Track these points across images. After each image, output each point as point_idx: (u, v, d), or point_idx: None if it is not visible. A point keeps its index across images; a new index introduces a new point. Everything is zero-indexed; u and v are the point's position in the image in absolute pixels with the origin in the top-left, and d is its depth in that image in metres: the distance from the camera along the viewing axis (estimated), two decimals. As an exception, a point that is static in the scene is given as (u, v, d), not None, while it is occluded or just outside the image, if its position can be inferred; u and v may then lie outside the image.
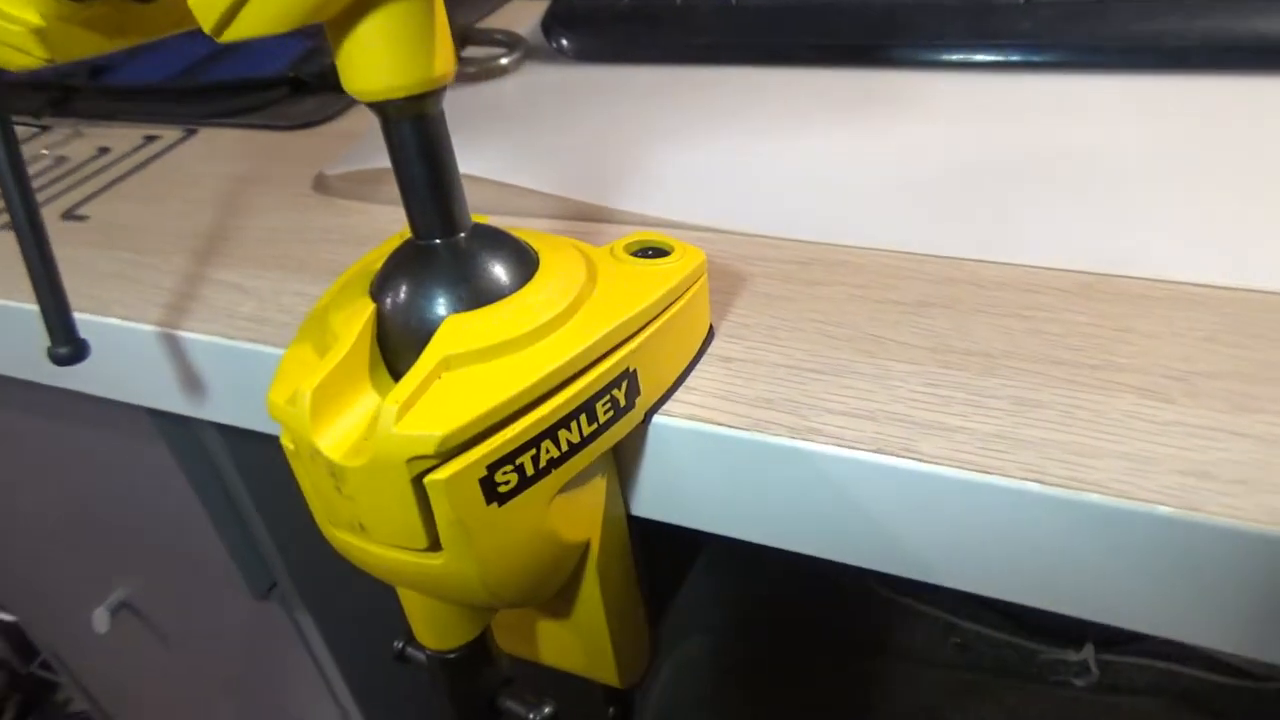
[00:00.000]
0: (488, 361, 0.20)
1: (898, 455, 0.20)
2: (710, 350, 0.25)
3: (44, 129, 0.45)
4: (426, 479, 0.19)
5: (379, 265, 0.23)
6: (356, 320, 0.21)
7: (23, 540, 0.68)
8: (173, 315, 0.30)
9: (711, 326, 0.25)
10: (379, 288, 0.21)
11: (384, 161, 0.33)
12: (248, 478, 0.48)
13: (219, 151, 0.41)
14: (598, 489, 0.24)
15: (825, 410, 0.22)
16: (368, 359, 0.21)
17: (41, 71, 0.47)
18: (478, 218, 0.22)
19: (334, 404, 0.20)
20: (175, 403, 0.31)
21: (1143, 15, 0.34)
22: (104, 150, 0.42)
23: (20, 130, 0.46)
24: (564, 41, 0.43)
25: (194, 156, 0.41)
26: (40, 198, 0.39)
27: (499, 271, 0.21)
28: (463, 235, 0.21)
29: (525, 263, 0.22)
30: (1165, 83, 0.33)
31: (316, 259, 0.31)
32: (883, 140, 0.32)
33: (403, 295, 0.21)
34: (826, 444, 0.21)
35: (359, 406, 0.20)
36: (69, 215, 0.37)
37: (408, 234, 0.25)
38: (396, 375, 0.21)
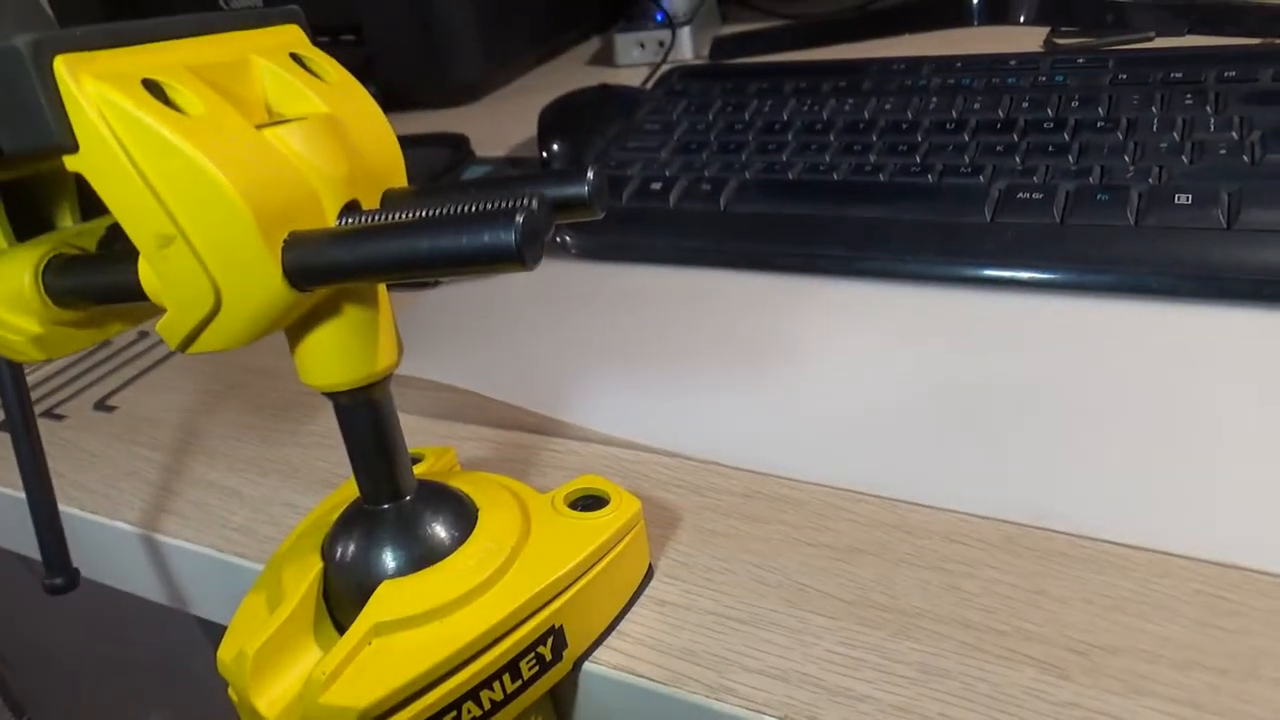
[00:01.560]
0: (416, 628, 0.21)
1: (799, 726, 0.21)
2: (648, 591, 0.26)
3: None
4: (349, 745, 0.20)
5: (331, 516, 0.25)
6: (304, 578, 0.23)
7: (64, 677, 0.70)
8: (175, 522, 0.32)
9: (651, 565, 0.27)
10: (328, 546, 0.23)
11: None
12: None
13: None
14: (532, 731, 0.25)
15: (741, 667, 0.23)
16: (313, 616, 0.23)
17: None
18: (433, 452, 0.24)
19: (276, 662, 0.22)
20: (172, 599, 0.33)
21: (1097, 242, 0.35)
22: (143, 334, 0.46)
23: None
24: (567, 238, 0.46)
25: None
26: (77, 385, 0.42)
27: (438, 532, 0.23)
28: (407, 499, 0.23)
29: (464, 521, 0.24)
30: (1118, 308, 0.34)
31: (309, 465, 0.34)
32: (834, 361, 0.34)
33: (347, 557, 0.23)
34: (737, 705, 0.22)
35: (300, 663, 0.22)
36: (100, 405, 0.40)
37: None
38: (341, 630, 0.23)
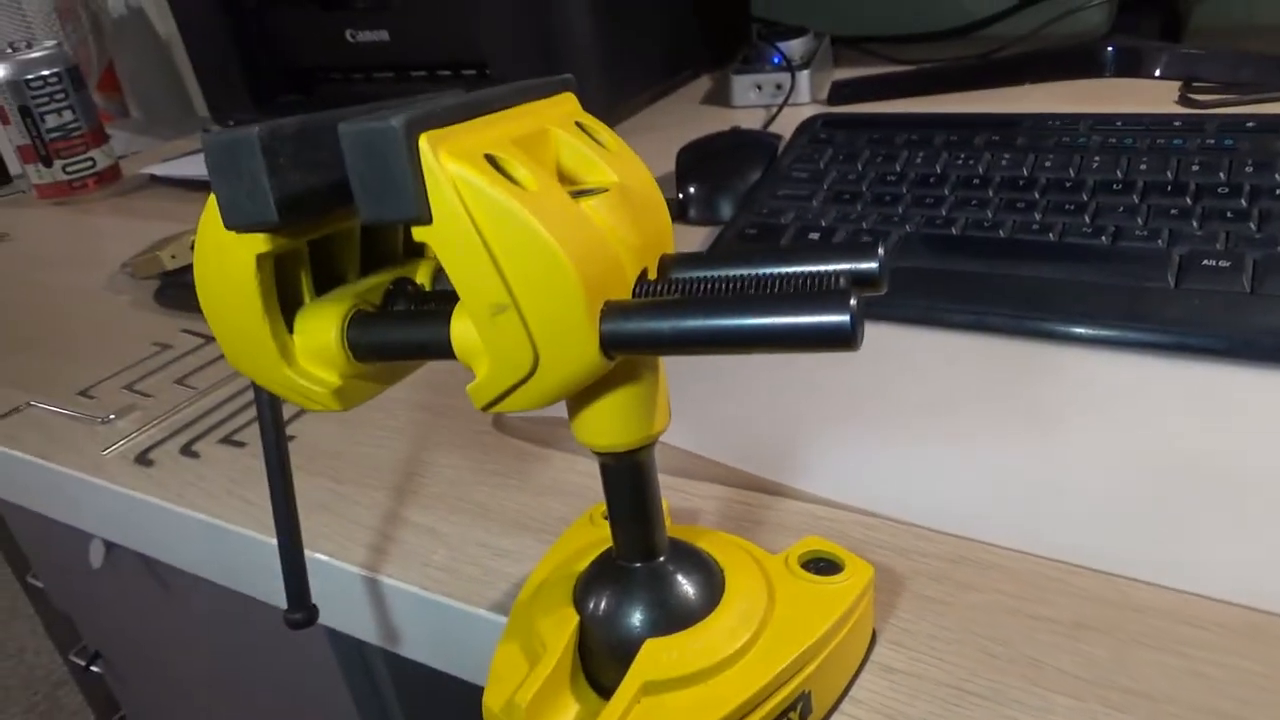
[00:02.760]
0: (683, 689, 0.22)
1: (1067, 811, 0.21)
2: (874, 657, 0.26)
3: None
4: (624, 802, 0.21)
5: (576, 565, 0.25)
6: (563, 631, 0.23)
7: (164, 684, 0.72)
8: (373, 556, 0.33)
9: (875, 631, 0.27)
10: (581, 599, 0.24)
11: (557, 410, 0.36)
12: (401, 694, 0.51)
13: (407, 380, 0.45)
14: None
15: (990, 744, 0.23)
16: (570, 668, 0.23)
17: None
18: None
19: (543, 713, 0.22)
20: (369, 634, 0.34)
21: (1295, 313, 0.35)
22: (306, 364, 0.47)
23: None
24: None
25: (384, 376, 0.45)
26: (252, 412, 0.44)
27: (692, 596, 0.23)
28: (661, 559, 0.24)
29: (714, 585, 0.24)
30: (1320, 383, 0.34)
31: (498, 506, 0.35)
32: (1033, 427, 0.34)
33: (605, 612, 0.23)
34: (993, 784, 0.22)
35: (563, 715, 0.23)
36: (278, 433, 0.42)
37: (593, 517, 0.28)
38: (593, 682, 0.23)
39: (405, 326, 0.21)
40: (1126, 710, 0.23)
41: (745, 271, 0.21)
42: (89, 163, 0.81)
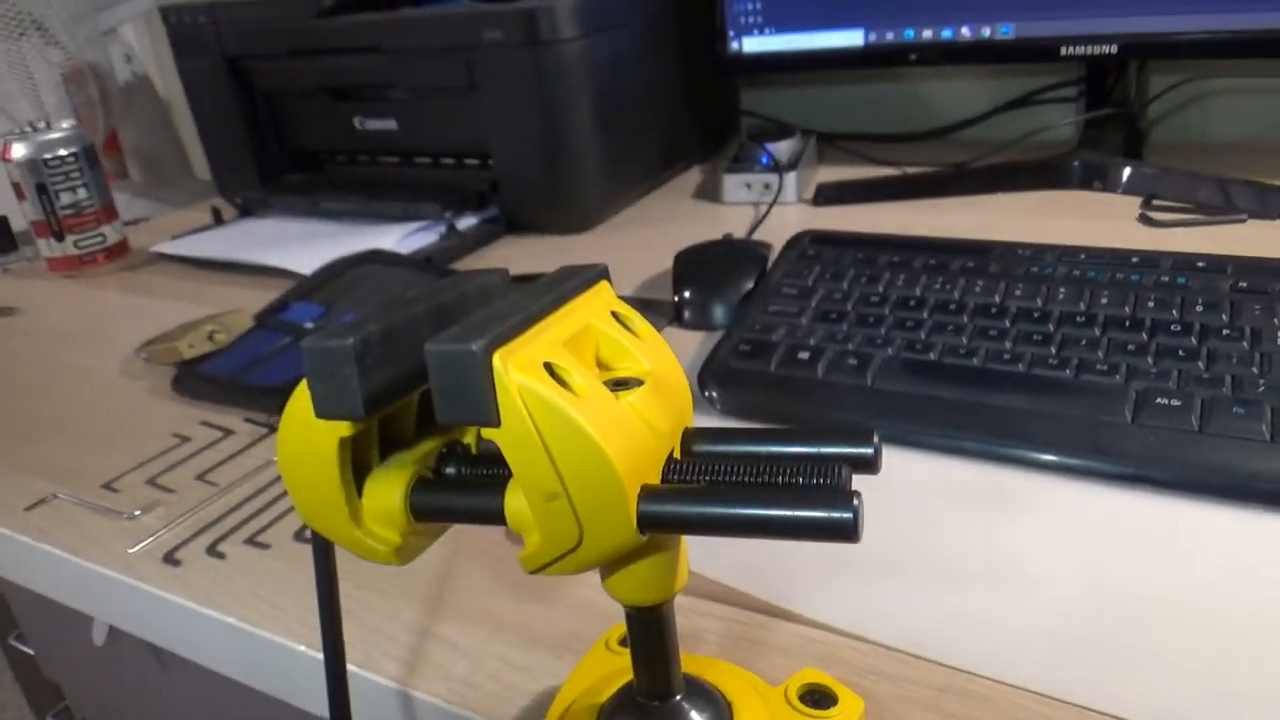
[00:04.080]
0: (696, 825, 0.25)
1: None
2: (862, 781, 0.29)
3: (271, 430, 0.54)
4: None
5: (597, 695, 0.28)
6: (589, 764, 0.26)
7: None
8: (397, 667, 0.35)
9: (862, 757, 0.30)
10: (605, 733, 0.27)
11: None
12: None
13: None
14: None
15: None
16: (595, 798, 0.26)
17: (276, 374, 0.56)
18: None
19: (571, 842, 0.25)
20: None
21: (1237, 454, 0.39)
22: (323, 462, 0.50)
23: (249, 429, 0.55)
24: (714, 394, 0.50)
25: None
26: (274, 511, 0.46)
27: (705, 730, 0.26)
28: (678, 698, 0.27)
29: (723, 717, 0.27)
30: (1268, 520, 0.37)
31: (514, 621, 0.37)
32: (1005, 559, 0.37)
33: (627, 748, 0.26)
34: None
35: (588, 843, 0.25)
36: (299, 536, 0.44)
37: (609, 643, 0.31)
38: (616, 809, 0.26)
39: (464, 495, 0.24)
40: (1086, 839, 0.26)
41: (758, 449, 0.25)
42: (100, 238, 0.83)
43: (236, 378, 0.57)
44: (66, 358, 0.68)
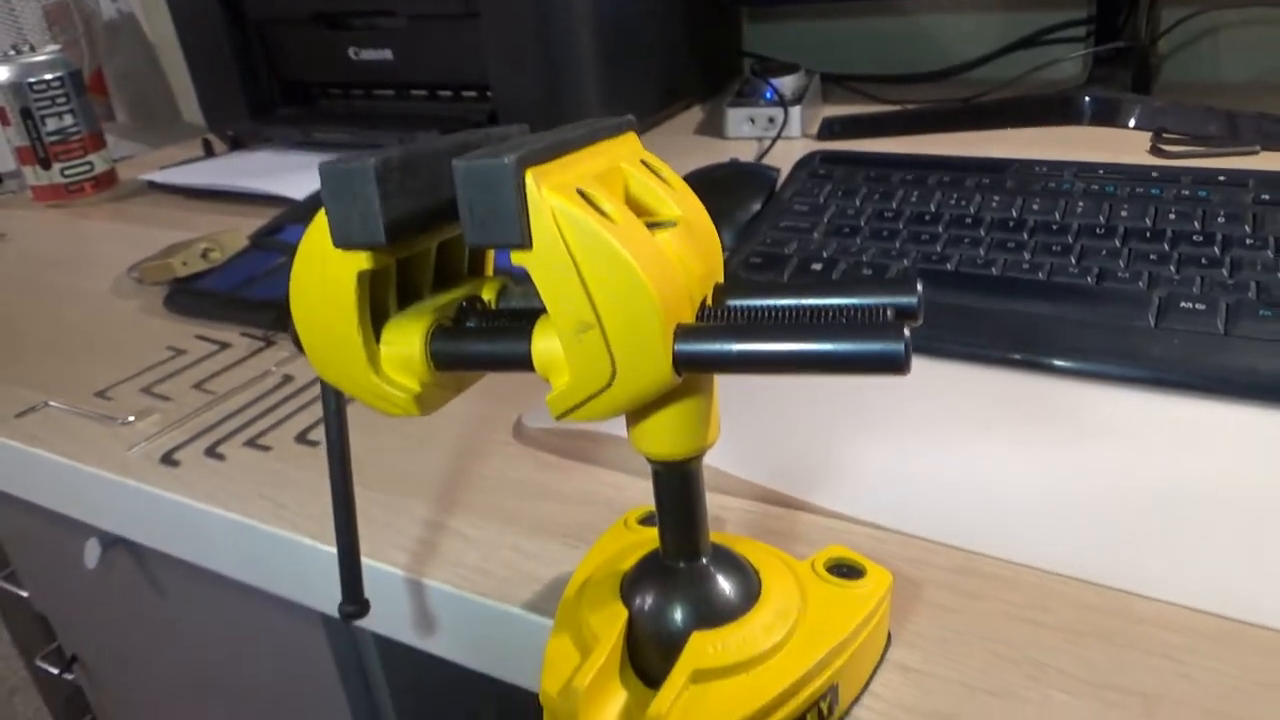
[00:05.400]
0: (728, 678, 0.24)
1: (1072, 795, 0.24)
2: (889, 657, 0.28)
3: (269, 343, 0.52)
4: (676, 781, 0.23)
5: (619, 565, 0.27)
6: (614, 625, 0.25)
7: (146, 689, 0.72)
8: (407, 558, 0.35)
9: (890, 633, 0.29)
10: (629, 595, 0.26)
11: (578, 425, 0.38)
12: (392, 679, 0.53)
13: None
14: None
15: (1001, 736, 0.25)
16: (620, 659, 0.25)
17: (274, 289, 0.54)
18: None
19: (596, 700, 0.24)
20: (403, 632, 0.35)
21: (1264, 354, 0.38)
22: (323, 373, 0.49)
23: (246, 342, 0.53)
24: (726, 307, 0.49)
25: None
26: (275, 416, 0.45)
27: (732, 594, 0.26)
28: (703, 560, 0.26)
29: (752, 585, 0.26)
30: (1287, 418, 0.37)
31: (524, 514, 0.36)
32: (1030, 451, 0.36)
33: (653, 608, 0.25)
34: (1005, 772, 0.24)
35: (614, 702, 0.24)
36: (301, 439, 0.43)
37: (628, 522, 0.30)
38: (639, 671, 0.25)
39: (487, 340, 0.23)
40: (1122, 708, 0.26)
41: (796, 302, 0.23)
42: (87, 167, 0.81)
43: (233, 293, 0.56)
44: (54, 279, 0.66)
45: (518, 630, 0.32)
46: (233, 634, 0.58)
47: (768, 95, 0.83)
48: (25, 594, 0.80)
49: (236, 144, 0.90)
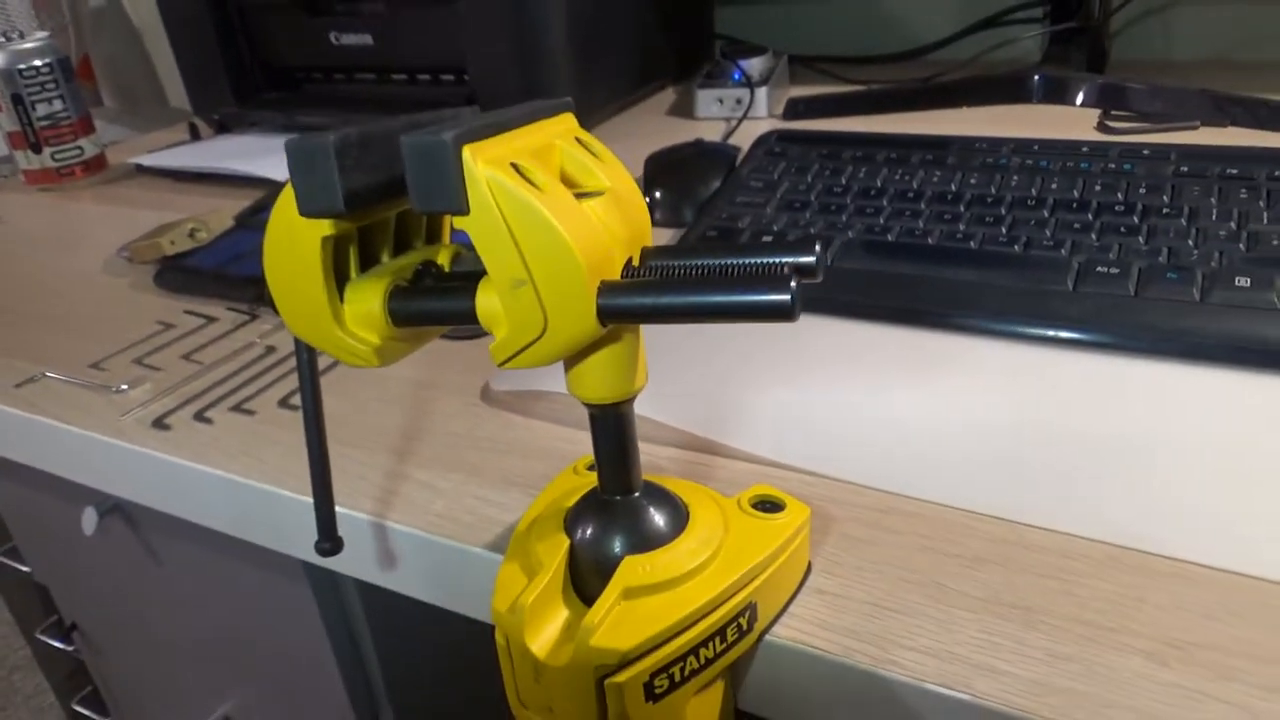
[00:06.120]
0: (656, 595, 0.27)
1: (958, 690, 0.27)
2: (808, 583, 0.32)
3: (253, 317, 0.55)
4: (607, 681, 0.26)
5: (564, 503, 0.31)
6: (556, 552, 0.28)
7: (143, 651, 0.75)
8: (379, 505, 0.38)
9: (810, 562, 0.32)
10: (571, 526, 0.29)
11: (541, 384, 0.41)
12: (374, 624, 0.56)
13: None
14: (717, 690, 0.30)
15: (900, 645, 0.29)
16: (561, 582, 0.28)
17: (257, 266, 0.57)
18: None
19: (541, 615, 0.27)
20: (374, 574, 0.39)
21: (1167, 314, 0.41)
22: (305, 343, 0.52)
23: (232, 316, 0.56)
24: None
25: (378, 356, 0.50)
26: (259, 384, 0.48)
27: (662, 523, 0.29)
28: (637, 494, 0.29)
29: (680, 516, 0.29)
30: (1188, 372, 0.40)
31: (489, 466, 0.40)
32: (949, 402, 0.40)
33: (591, 536, 0.29)
34: (903, 675, 0.28)
35: (557, 617, 0.28)
36: (283, 404, 0.46)
37: (576, 468, 0.34)
38: (580, 593, 0.29)
39: (437, 298, 0.26)
40: (1009, 620, 0.29)
41: (709, 261, 0.27)
42: (77, 151, 0.84)
43: (219, 270, 0.59)
44: (48, 259, 0.69)
45: (475, 568, 0.35)
46: (225, 596, 0.61)
47: (735, 76, 0.86)
48: (26, 569, 0.83)
49: (222, 128, 0.92)
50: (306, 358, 0.30)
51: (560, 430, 0.42)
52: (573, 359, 0.27)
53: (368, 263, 0.28)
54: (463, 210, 0.23)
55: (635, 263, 0.27)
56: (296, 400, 0.46)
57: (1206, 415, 0.37)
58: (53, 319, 0.58)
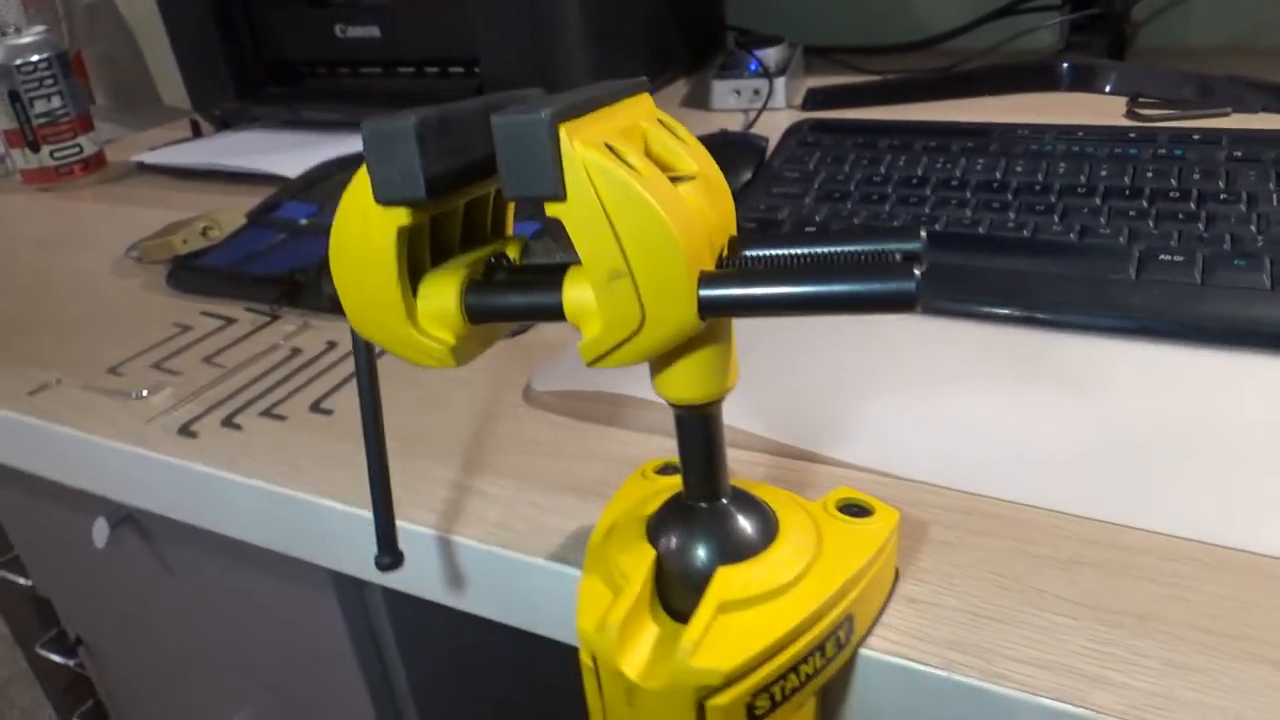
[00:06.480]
0: (753, 609, 0.25)
1: (1075, 705, 0.25)
2: (898, 591, 0.30)
3: (275, 318, 0.53)
4: (708, 702, 0.24)
5: (640, 510, 0.29)
6: (642, 565, 0.27)
7: (152, 664, 0.73)
8: (431, 516, 0.36)
9: (897, 569, 0.31)
10: (655, 536, 0.27)
11: (586, 384, 0.39)
12: (398, 629, 0.54)
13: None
14: (810, 709, 0.29)
15: (1006, 657, 0.27)
16: (649, 596, 0.26)
17: (276, 265, 0.55)
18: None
19: (630, 634, 0.25)
20: (431, 589, 0.37)
21: (1237, 302, 0.40)
22: (331, 344, 0.50)
23: (251, 317, 0.54)
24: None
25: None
26: (289, 387, 0.46)
27: (753, 532, 0.27)
28: (724, 500, 0.27)
29: (770, 523, 0.28)
30: (1268, 363, 0.38)
31: (541, 472, 0.38)
32: (1021, 399, 0.38)
33: (679, 546, 0.27)
34: (1012, 688, 0.26)
35: (646, 636, 0.26)
36: (315, 408, 0.44)
37: (645, 473, 0.32)
38: (668, 608, 0.27)
39: (519, 293, 0.24)
40: (1119, 627, 0.28)
41: (808, 249, 0.25)
42: (76, 149, 0.81)
43: (235, 269, 0.57)
44: (52, 261, 0.66)
45: (541, 580, 0.33)
46: (243, 607, 0.59)
47: (752, 67, 0.84)
48: (26, 582, 0.80)
49: (224, 124, 0.90)
50: (366, 360, 0.28)
51: (607, 431, 0.40)
52: (662, 357, 0.25)
53: (438, 255, 0.26)
54: (559, 196, 0.22)
55: (725, 253, 0.25)
56: (329, 404, 0.44)
57: (1292, 407, 0.36)
58: (63, 322, 0.56)
